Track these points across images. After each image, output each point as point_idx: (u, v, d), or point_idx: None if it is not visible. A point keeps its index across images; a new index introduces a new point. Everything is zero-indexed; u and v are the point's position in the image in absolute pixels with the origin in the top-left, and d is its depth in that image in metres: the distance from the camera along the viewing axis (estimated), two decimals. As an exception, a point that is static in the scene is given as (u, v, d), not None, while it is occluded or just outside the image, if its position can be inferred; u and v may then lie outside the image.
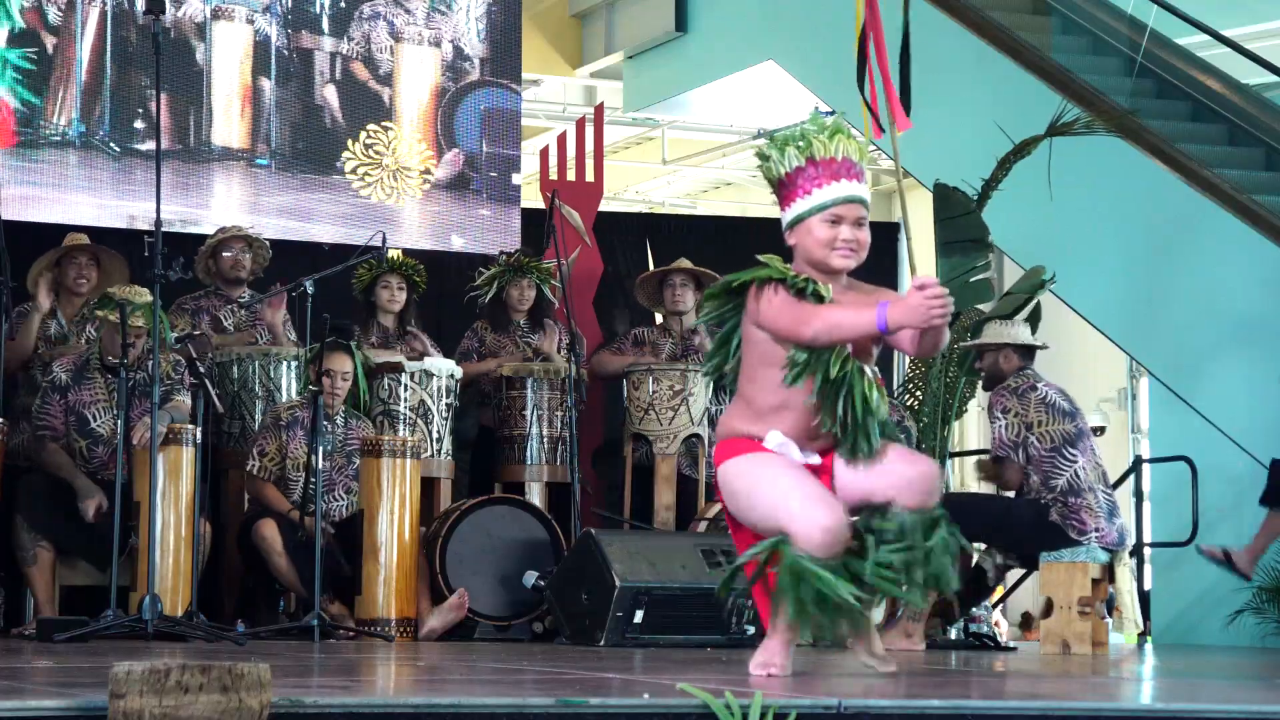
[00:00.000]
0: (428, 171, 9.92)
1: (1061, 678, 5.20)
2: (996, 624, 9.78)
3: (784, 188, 4.38)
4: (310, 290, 7.43)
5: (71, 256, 8.14)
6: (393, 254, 8.76)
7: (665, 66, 13.50)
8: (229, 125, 9.48)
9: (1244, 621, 8.72)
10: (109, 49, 6.57)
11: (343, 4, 9.80)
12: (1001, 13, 11.06)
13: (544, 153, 10.12)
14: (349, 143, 9.80)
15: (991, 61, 10.47)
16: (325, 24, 9.75)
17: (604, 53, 14.78)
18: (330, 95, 9.74)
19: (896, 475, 4.38)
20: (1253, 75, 10.65)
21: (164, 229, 8.29)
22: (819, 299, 4.32)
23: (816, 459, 4.41)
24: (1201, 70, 10.78)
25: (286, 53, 9.66)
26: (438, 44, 9.94)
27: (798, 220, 4.37)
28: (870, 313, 4.24)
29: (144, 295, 7.20)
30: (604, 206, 10.26)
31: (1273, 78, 10.34)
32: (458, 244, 9.86)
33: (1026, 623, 11.51)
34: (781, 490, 4.29)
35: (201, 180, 9.45)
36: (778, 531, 4.29)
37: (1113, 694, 4.39)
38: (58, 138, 9.15)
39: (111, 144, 9.19)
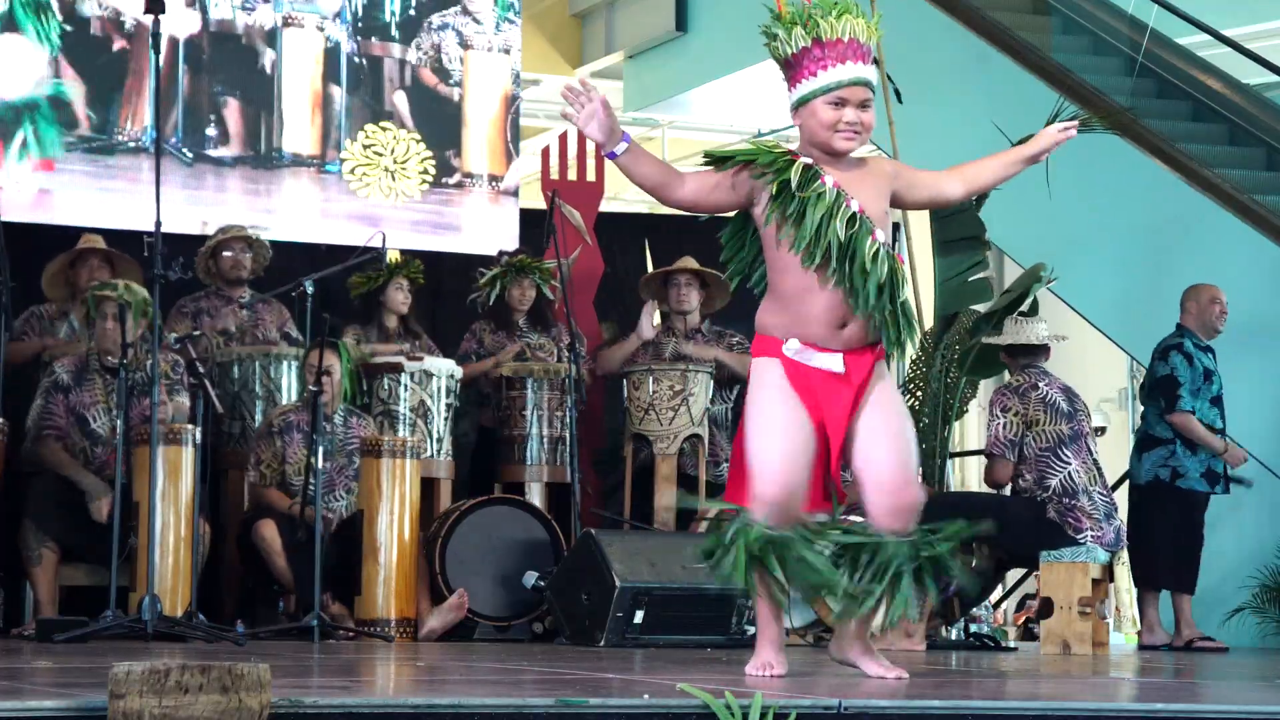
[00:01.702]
0: (497, 177, 9.96)
1: (1062, 678, 5.20)
2: (998, 621, 9.78)
3: (790, 68, 4.37)
4: (310, 290, 7.44)
5: (84, 258, 8.13)
6: (392, 255, 8.76)
7: (665, 66, 13.51)
8: (299, 132, 9.57)
9: (1244, 620, 8.73)
10: (181, 57, 6.60)
11: (412, 12, 9.86)
12: (1002, 13, 11.06)
13: (545, 152, 10.12)
14: (347, 143, 9.85)
15: (992, 61, 10.47)
16: (394, 31, 9.83)
17: (604, 52, 14.79)
18: (400, 102, 9.79)
19: (880, 503, 4.37)
20: (1253, 75, 10.65)
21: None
22: (808, 181, 4.29)
23: (838, 362, 4.31)
24: (1202, 70, 10.78)
25: (356, 60, 9.74)
26: (506, 51, 10.00)
27: (802, 102, 4.35)
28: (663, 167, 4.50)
29: (142, 293, 7.23)
30: (604, 206, 10.25)
31: (1273, 77, 10.34)
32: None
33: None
34: (764, 444, 4.29)
35: (272, 186, 9.53)
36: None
37: (1113, 694, 4.39)
38: (132, 144, 9.25)
39: (184, 150, 9.26)
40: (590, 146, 10.05)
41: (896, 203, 4.50)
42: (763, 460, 4.28)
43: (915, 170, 4.55)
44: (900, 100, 9.35)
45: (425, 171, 10.01)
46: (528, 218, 10.12)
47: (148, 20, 8.47)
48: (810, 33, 4.30)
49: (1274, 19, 12.55)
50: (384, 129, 9.90)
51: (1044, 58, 10.59)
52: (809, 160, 4.32)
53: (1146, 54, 10.67)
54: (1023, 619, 12.65)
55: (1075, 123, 4.54)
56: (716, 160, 4.41)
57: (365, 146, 9.87)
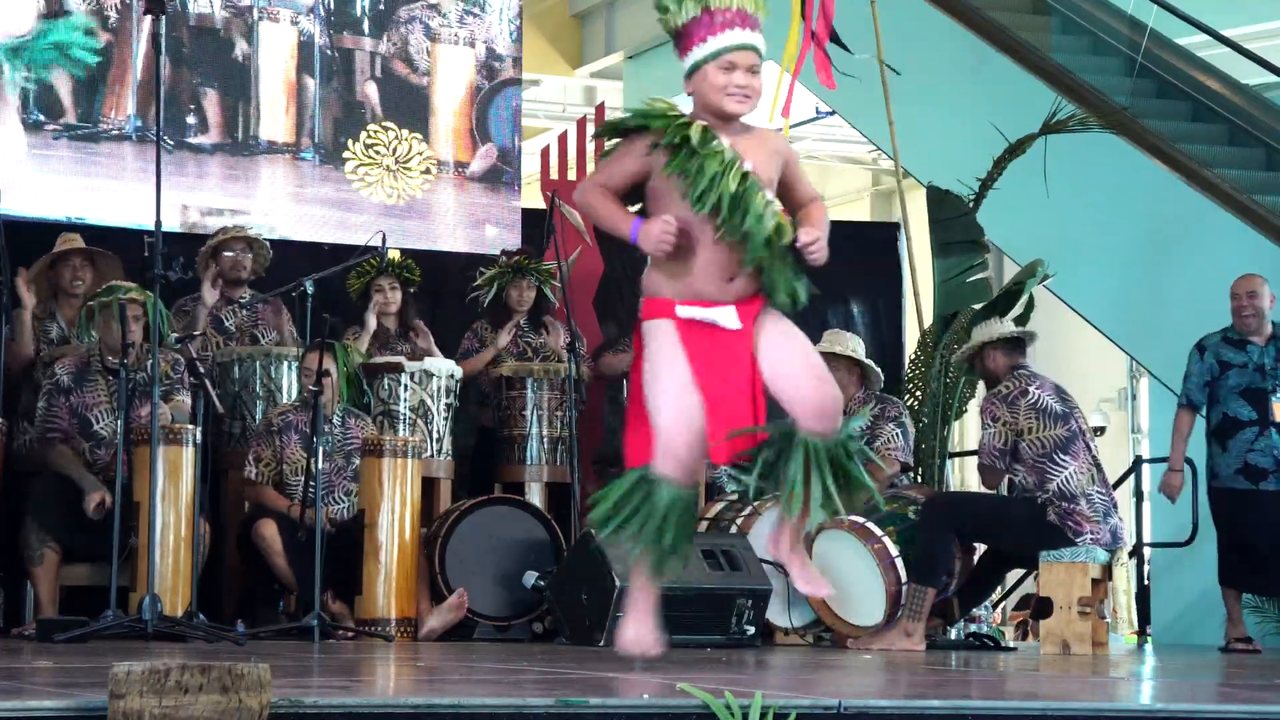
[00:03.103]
0: (463, 164, 10.36)
1: (1061, 678, 5.20)
2: (996, 621, 9.78)
3: (681, 38, 4.49)
4: (310, 290, 7.44)
5: (65, 259, 8.15)
6: (392, 254, 8.77)
7: (665, 67, 13.50)
8: (275, 120, 9.96)
9: (1247, 621, 8.72)
10: (163, 48, 6.93)
11: (381, 7, 10.26)
12: (1001, 13, 11.07)
13: (544, 153, 10.13)
14: (349, 143, 10.05)
15: (991, 61, 10.48)
16: (366, 25, 10.25)
17: (604, 53, 14.80)
18: (371, 92, 10.16)
19: (804, 401, 4.39)
20: (1253, 75, 10.66)
21: (215, 217, 8.63)
22: (707, 140, 4.37)
23: (731, 316, 4.40)
24: (1202, 70, 10.78)
25: (329, 52, 10.12)
26: (471, 44, 10.28)
27: (695, 68, 4.47)
28: (628, 225, 4.38)
29: (133, 285, 7.29)
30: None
31: (1273, 78, 10.34)
32: (491, 234, 10.25)
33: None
34: (666, 398, 4.35)
35: (249, 172, 9.90)
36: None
37: (1112, 694, 4.40)
38: (115, 132, 9.53)
39: (165, 138, 9.51)
40: (590, 147, 10.07)
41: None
42: (665, 418, 4.34)
43: (800, 173, 4.61)
44: (898, 72, 9.40)
45: (428, 171, 10.12)
46: (528, 218, 10.14)
47: (129, 13, 8.77)
48: (700, 2, 4.43)
49: (1273, 19, 12.56)
50: (386, 128, 10.10)
51: (1043, 58, 10.60)
52: (705, 123, 4.42)
53: (1146, 54, 10.68)
54: (1019, 619, 12.63)
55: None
56: (613, 131, 4.50)
57: (367, 146, 10.02)
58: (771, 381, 4.42)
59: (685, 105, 4.54)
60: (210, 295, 8.43)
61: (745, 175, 4.36)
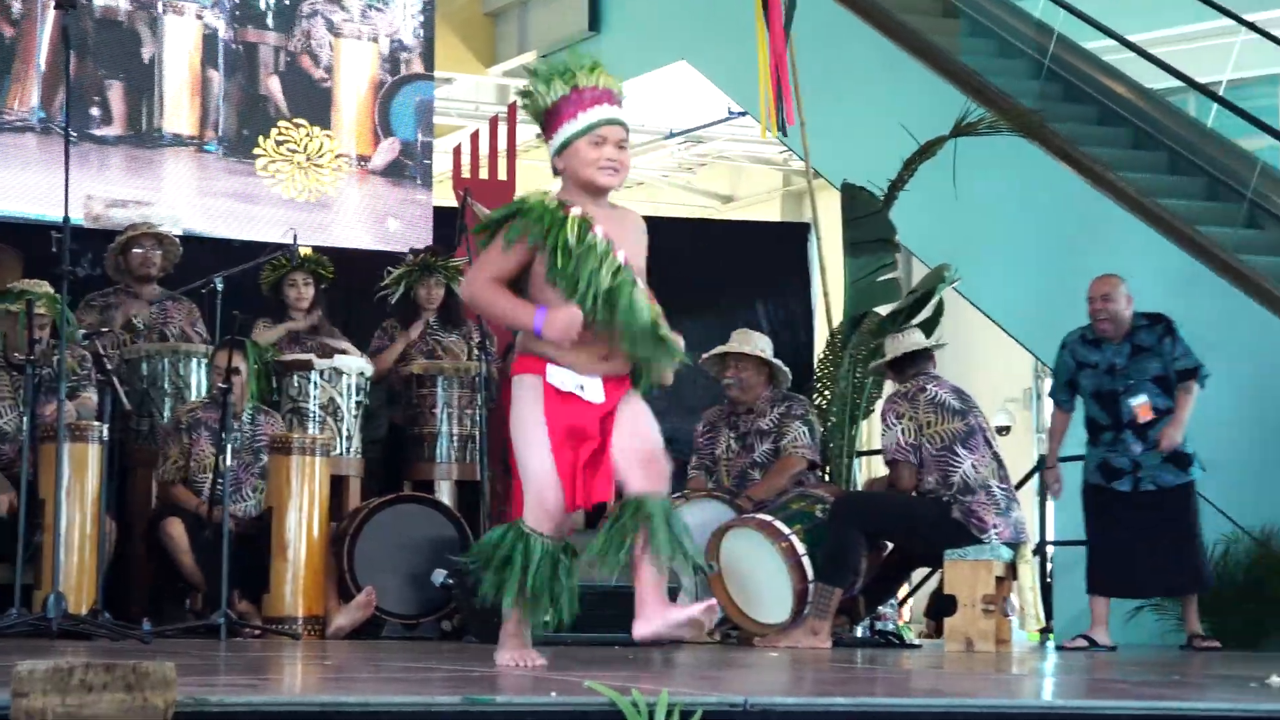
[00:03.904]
0: (365, 158, 10.41)
1: (965, 675, 5.25)
2: (902, 619, 9.85)
3: (550, 117, 4.68)
4: (220, 288, 7.41)
5: None
6: (304, 251, 8.75)
7: (577, 66, 13.51)
8: (179, 113, 10.02)
9: (1144, 619, 8.84)
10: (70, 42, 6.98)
11: (285, 1, 10.33)
12: (912, 15, 11.15)
13: (456, 151, 10.12)
14: (260, 139, 10.06)
15: (901, 63, 10.56)
16: (270, 20, 10.32)
17: (517, 51, 14.79)
18: (274, 86, 10.24)
19: (643, 474, 4.64)
20: (1157, 80, 10.79)
21: (118, 209, 8.60)
22: (583, 235, 4.56)
23: (598, 388, 4.62)
24: (1108, 74, 10.91)
25: (233, 46, 10.18)
26: (374, 39, 10.31)
27: (565, 144, 4.66)
28: (529, 315, 4.57)
29: (45, 287, 7.18)
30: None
31: (1177, 83, 10.47)
32: (394, 228, 10.28)
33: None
34: (533, 454, 4.62)
35: (153, 164, 9.95)
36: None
37: (1015, 691, 4.45)
38: (19, 123, 9.59)
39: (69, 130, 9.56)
40: (502, 144, 10.07)
41: None
42: (533, 472, 4.63)
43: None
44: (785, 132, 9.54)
45: (339, 169, 10.13)
46: (441, 216, 10.14)
47: (34, 5, 8.81)
48: (568, 82, 4.64)
49: (1178, 25, 12.72)
50: (297, 125, 10.11)
51: (952, 60, 10.69)
52: (579, 211, 4.60)
53: (1053, 58, 10.79)
54: (906, 618, 12.65)
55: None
56: (489, 225, 4.70)
57: (279, 143, 10.02)
58: (617, 444, 4.65)
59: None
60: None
61: (619, 269, 4.56)
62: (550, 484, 4.61)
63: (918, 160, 9.07)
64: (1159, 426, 7.90)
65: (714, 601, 4.80)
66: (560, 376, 4.61)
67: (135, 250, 8.49)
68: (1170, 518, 7.92)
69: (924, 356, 7.73)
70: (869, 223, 8.90)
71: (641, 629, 4.75)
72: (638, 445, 4.64)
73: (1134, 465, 7.94)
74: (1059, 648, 7.91)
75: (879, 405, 9.57)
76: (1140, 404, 7.94)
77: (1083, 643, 7.89)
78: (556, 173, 4.73)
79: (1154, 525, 7.89)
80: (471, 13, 15.05)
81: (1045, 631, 9.45)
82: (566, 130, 4.64)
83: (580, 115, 4.62)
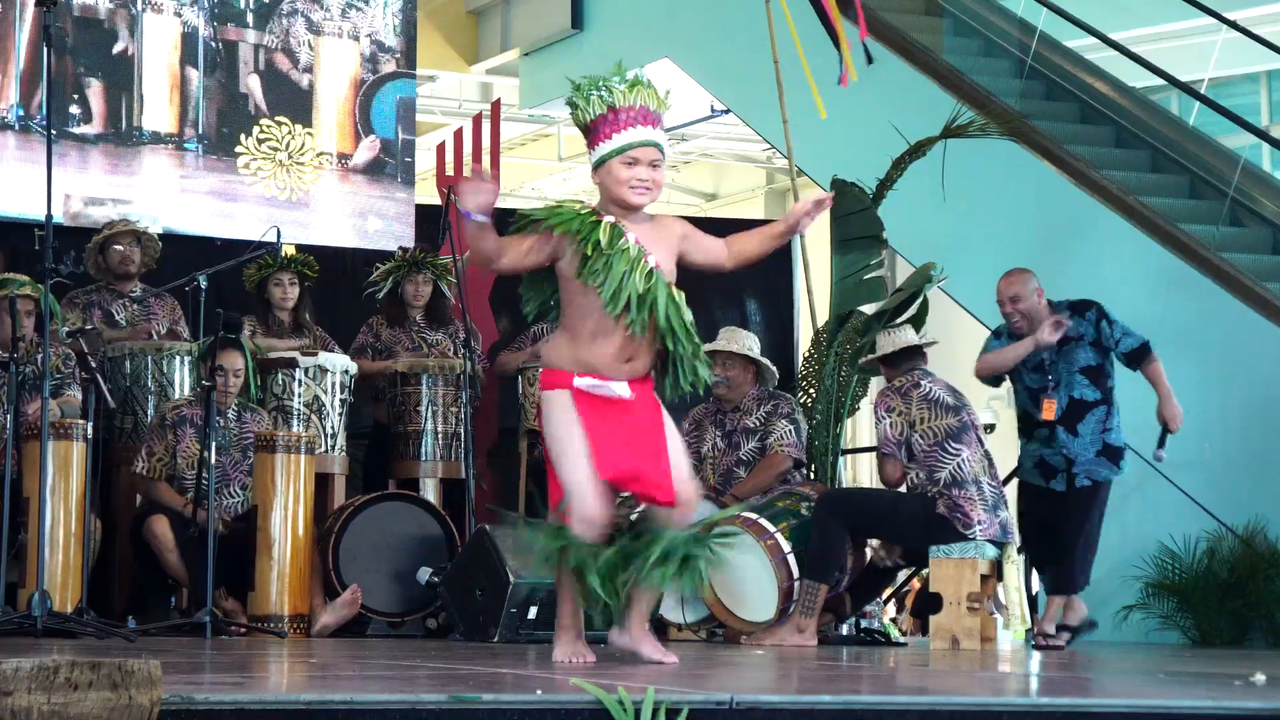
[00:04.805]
0: (346, 156, 10.44)
1: (950, 673, 5.26)
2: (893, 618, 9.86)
3: (590, 133, 4.95)
4: (203, 285, 7.40)
5: None
6: (287, 249, 8.74)
7: (561, 63, 13.52)
8: (158, 111, 10.05)
9: (1132, 617, 8.86)
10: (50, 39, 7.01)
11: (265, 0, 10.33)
12: (895, 14, 11.16)
13: (440, 149, 10.12)
14: (241, 137, 10.06)
15: (887, 63, 10.56)
16: (250, 18, 10.37)
17: (500, 49, 14.78)
18: (254, 84, 10.27)
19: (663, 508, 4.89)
20: (1140, 78, 10.80)
21: (97, 207, 8.60)
22: (615, 239, 4.80)
23: (624, 389, 4.85)
24: (1090, 73, 10.92)
25: (212, 44, 10.22)
26: (355, 38, 10.34)
27: (601, 162, 4.91)
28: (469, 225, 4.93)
29: (26, 280, 7.19)
30: (500, 203, 10.27)
31: (1159, 81, 10.49)
32: (374, 225, 10.28)
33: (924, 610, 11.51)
34: (571, 467, 4.83)
35: (133, 162, 9.96)
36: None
37: (1000, 689, 4.46)
38: None
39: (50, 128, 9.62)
40: (486, 142, 10.08)
41: (681, 261, 5.01)
42: (573, 484, 4.82)
43: (701, 235, 5.07)
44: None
45: (320, 167, 10.12)
46: (424, 214, 10.13)
47: (12, 4, 8.84)
48: (606, 101, 4.90)
49: (1160, 23, 12.74)
50: (279, 123, 10.11)
51: (936, 59, 10.69)
52: (613, 219, 4.85)
53: (1036, 56, 10.80)
54: (889, 615, 12.66)
55: (831, 195, 5.28)
56: (527, 222, 4.99)
57: (260, 141, 10.02)
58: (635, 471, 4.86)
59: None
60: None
61: (651, 273, 4.79)
62: (590, 494, 4.79)
63: (908, 160, 9.08)
64: (1089, 418, 7.81)
65: (675, 660, 4.93)
66: (587, 382, 4.82)
67: (115, 248, 8.48)
68: (1087, 511, 7.82)
69: (917, 353, 7.74)
70: (858, 219, 8.89)
71: (616, 639, 5.00)
72: (672, 472, 4.86)
73: (1068, 462, 7.81)
74: (1035, 647, 7.86)
75: (864, 403, 9.58)
76: (1047, 405, 7.88)
77: (1041, 640, 7.78)
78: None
79: (1083, 520, 7.77)
80: (454, 11, 15.04)
81: (1031, 631, 9.47)
82: (602, 149, 4.89)
83: (615, 136, 4.87)
